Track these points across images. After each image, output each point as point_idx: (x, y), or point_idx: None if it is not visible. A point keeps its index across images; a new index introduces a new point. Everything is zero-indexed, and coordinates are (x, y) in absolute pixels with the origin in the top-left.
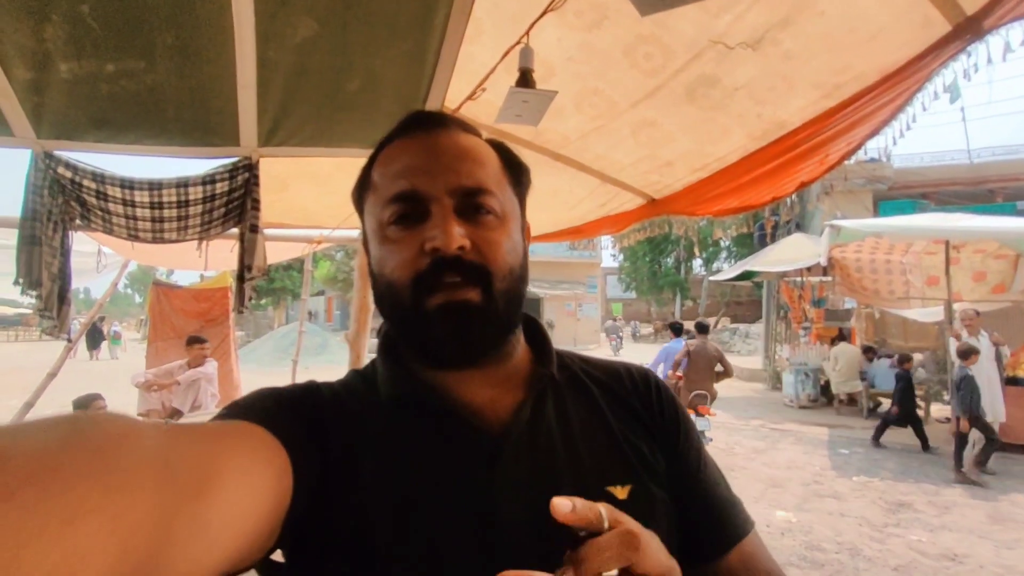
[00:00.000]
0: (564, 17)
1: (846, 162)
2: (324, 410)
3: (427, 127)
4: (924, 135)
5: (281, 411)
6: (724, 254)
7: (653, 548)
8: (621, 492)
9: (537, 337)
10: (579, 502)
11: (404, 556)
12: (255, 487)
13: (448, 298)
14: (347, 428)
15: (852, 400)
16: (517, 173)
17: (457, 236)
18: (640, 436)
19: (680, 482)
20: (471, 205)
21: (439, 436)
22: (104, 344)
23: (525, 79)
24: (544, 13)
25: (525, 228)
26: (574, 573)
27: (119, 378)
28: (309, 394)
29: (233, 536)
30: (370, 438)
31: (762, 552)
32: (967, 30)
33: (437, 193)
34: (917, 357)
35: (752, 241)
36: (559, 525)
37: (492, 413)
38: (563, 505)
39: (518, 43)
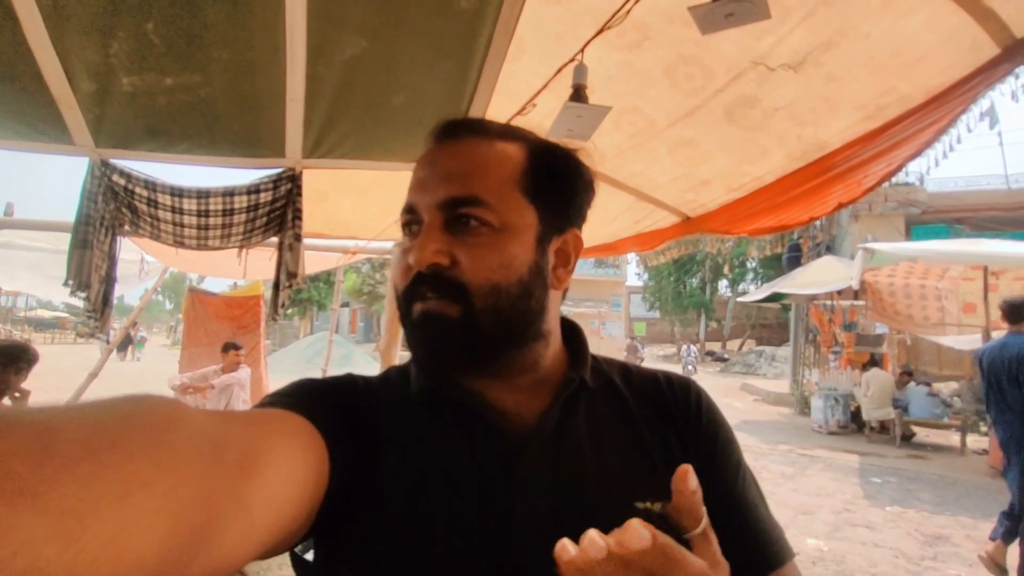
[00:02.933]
0: (606, 37)
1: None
2: (358, 401)
3: (445, 136)
4: (959, 160)
5: (320, 401)
6: (751, 275)
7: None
8: (654, 508)
9: (575, 342)
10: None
11: (418, 549)
12: (296, 472)
13: (425, 307)
14: (377, 418)
15: (884, 428)
16: (549, 181)
17: (428, 254)
18: (675, 447)
19: (714, 496)
20: (458, 216)
21: (462, 433)
22: (129, 347)
23: (578, 95)
24: (601, 31)
25: (562, 240)
26: None
27: (146, 379)
28: (345, 385)
29: (273, 519)
30: (396, 429)
31: None
32: (1016, 52)
33: (426, 207)
34: (952, 386)
35: (780, 263)
36: (578, 529)
37: (517, 416)
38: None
39: (572, 60)
